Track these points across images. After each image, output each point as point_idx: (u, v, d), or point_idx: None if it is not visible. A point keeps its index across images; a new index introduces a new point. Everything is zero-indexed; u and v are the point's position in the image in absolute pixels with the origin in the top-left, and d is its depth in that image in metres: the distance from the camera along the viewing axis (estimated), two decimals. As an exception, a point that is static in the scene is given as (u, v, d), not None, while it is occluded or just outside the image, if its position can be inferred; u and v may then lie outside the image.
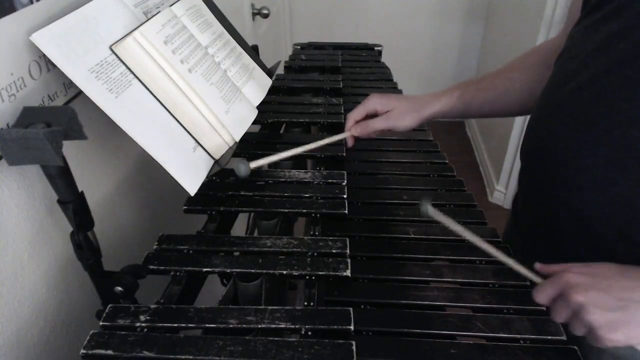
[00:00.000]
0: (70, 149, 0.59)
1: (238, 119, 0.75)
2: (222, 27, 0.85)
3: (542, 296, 0.49)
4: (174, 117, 0.65)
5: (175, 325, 0.53)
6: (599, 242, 0.59)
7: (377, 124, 0.79)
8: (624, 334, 0.44)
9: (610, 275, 0.46)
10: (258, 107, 0.84)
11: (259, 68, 0.92)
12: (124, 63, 0.60)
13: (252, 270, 0.61)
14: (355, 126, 0.80)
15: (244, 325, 0.53)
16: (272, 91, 0.96)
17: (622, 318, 0.44)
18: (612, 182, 0.56)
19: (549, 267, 0.51)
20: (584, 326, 0.46)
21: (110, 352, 0.50)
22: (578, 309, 0.46)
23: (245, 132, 0.76)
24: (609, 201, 0.57)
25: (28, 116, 0.49)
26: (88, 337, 0.51)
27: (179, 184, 0.62)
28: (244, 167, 0.65)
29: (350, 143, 0.81)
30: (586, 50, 0.59)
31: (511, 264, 0.55)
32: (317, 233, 0.69)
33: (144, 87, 0.62)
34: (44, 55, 0.52)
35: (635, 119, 0.52)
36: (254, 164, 0.67)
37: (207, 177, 0.67)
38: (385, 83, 1.24)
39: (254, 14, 1.72)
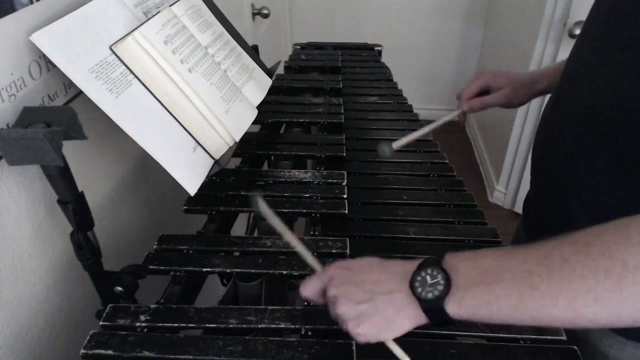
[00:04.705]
0: (70, 149, 0.59)
1: (238, 119, 0.75)
2: (222, 27, 0.85)
3: (307, 289, 0.48)
4: (174, 117, 0.65)
5: (175, 325, 0.53)
6: None
7: (492, 101, 0.80)
8: (369, 327, 0.43)
9: (368, 269, 0.46)
10: (258, 107, 0.84)
11: (259, 68, 0.92)
12: (123, 63, 0.60)
13: (252, 270, 0.61)
14: (469, 102, 0.81)
15: (244, 325, 0.53)
16: (272, 91, 0.96)
17: (367, 311, 0.43)
18: (610, 186, 0.56)
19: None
20: (339, 320, 0.45)
21: (110, 352, 0.50)
22: (333, 301, 0.45)
23: (245, 132, 0.76)
24: (608, 204, 0.57)
25: (28, 116, 0.49)
26: (88, 337, 0.51)
27: (179, 184, 0.62)
28: (388, 149, 0.66)
29: (463, 120, 0.84)
30: (587, 56, 0.59)
31: (305, 255, 0.52)
32: (317, 233, 0.69)
33: (144, 87, 0.62)
34: (44, 55, 0.52)
35: (629, 125, 0.52)
36: (396, 145, 0.69)
37: (207, 177, 0.67)
38: (385, 83, 1.24)
39: (254, 14, 1.72)
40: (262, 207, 0.54)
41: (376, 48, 1.52)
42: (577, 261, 0.37)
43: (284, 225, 0.53)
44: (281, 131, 1.01)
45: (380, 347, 0.52)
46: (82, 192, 0.54)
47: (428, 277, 0.42)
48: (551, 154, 0.65)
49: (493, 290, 0.39)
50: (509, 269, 0.40)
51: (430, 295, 0.41)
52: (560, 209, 0.64)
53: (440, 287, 0.41)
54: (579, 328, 0.40)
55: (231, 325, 0.53)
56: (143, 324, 0.53)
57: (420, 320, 0.43)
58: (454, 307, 0.41)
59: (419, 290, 0.42)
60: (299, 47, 1.49)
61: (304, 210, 0.71)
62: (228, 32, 0.87)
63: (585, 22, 0.63)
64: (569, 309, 0.37)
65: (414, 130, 0.88)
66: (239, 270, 0.61)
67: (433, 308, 0.41)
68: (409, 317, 0.43)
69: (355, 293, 0.44)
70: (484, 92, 0.83)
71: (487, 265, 0.41)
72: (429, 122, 0.83)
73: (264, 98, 0.88)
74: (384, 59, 1.47)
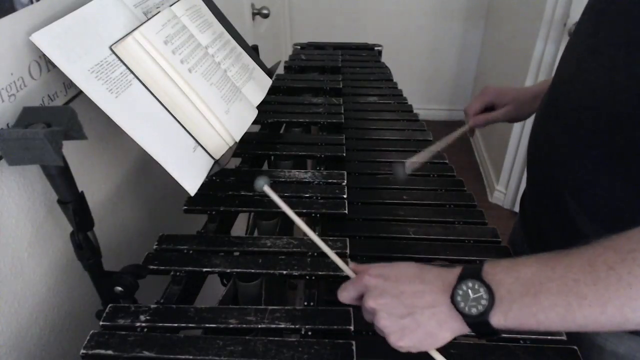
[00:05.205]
0: (70, 149, 0.59)
1: (238, 119, 0.75)
2: (222, 27, 0.85)
3: (344, 296, 0.48)
4: (174, 117, 0.65)
5: (175, 325, 0.53)
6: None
7: (496, 117, 0.82)
8: (411, 340, 0.43)
9: (406, 279, 0.45)
10: (258, 107, 0.84)
11: (259, 68, 0.92)
12: (124, 63, 0.60)
13: (252, 270, 0.61)
14: (474, 118, 0.83)
15: (244, 325, 0.53)
16: (272, 91, 0.96)
17: (409, 325, 0.43)
18: (606, 181, 0.56)
19: (358, 266, 0.51)
20: (380, 330, 0.45)
21: (110, 352, 0.50)
22: (372, 313, 0.45)
23: (245, 132, 0.76)
24: (604, 200, 0.58)
25: (28, 116, 0.49)
26: (88, 337, 0.51)
27: (179, 184, 0.62)
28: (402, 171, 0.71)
29: (471, 134, 0.86)
30: (582, 54, 0.60)
31: (334, 258, 0.52)
32: (317, 233, 0.69)
33: (144, 87, 0.62)
34: (44, 55, 0.52)
35: (623, 121, 0.53)
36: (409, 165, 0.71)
37: (207, 177, 0.67)
38: (385, 83, 1.24)
39: (254, 14, 1.72)
40: (278, 202, 0.54)
41: (376, 48, 1.52)
42: (623, 269, 0.37)
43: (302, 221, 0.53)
44: (281, 131, 1.01)
45: (380, 347, 0.52)
46: (82, 192, 0.54)
47: (470, 291, 0.41)
48: (546, 151, 0.65)
49: (539, 301, 0.39)
50: (553, 278, 0.40)
51: (474, 311, 0.41)
52: (556, 205, 0.64)
53: (484, 302, 0.41)
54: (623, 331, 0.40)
55: (231, 325, 0.53)
56: (143, 324, 0.53)
57: (463, 331, 0.43)
58: (500, 320, 0.41)
59: (462, 305, 0.42)
60: (299, 47, 1.49)
61: (304, 210, 0.71)
62: (228, 32, 0.87)
63: (579, 20, 0.63)
64: (617, 316, 0.37)
65: (424, 142, 0.90)
66: (239, 270, 0.61)
67: (477, 322, 0.41)
68: (452, 330, 0.43)
69: (395, 306, 0.44)
70: (489, 107, 0.85)
71: (530, 275, 0.41)
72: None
73: (264, 98, 0.88)
74: (384, 59, 1.47)
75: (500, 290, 0.41)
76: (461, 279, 0.42)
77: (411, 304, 0.44)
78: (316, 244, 0.53)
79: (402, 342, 0.44)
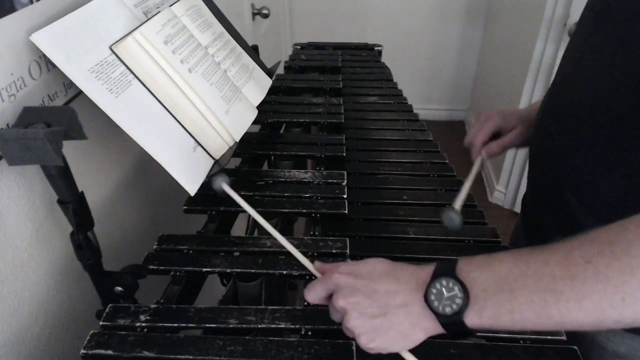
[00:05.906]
0: (70, 149, 0.59)
1: (238, 119, 0.75)
2: (222, 27, 0.85)
3: (311, 295, 0.46)
4: (174, 117, 0.65)
5: (175, 325, 0.53)
6: None
7: (510, 142, 0.76)
8: (383, 341, 0.42)
9: (378, 277, 0.44)
10: (258, 107, 0.84)
11: (259, 68, 0.92)
12: (124, 63, 0.60)
13: (252, 270, 0.61)
14: (486, 148, 0.76)
15: (244, 325, 0.53)
16: (272, 91, 0.96)
17: (381, 325, 0.41)
18: (606, 177, 0.57)
19: (323, 265, 0.49)
20: (349, 331, 0.43)
21: (110, 352, 0.50)
22: (342, 313, 0.43)
23: (245, 132, 0.76)
24: (605, 196, 0.58)
25: (28, 116, 0.49)
26: (88, 337, 0.51)
27: (179, 184, 0.62)
28: (457, 217, 0.63)
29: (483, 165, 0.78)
30: (583, 52, 0.60)
31: (299, 257, 0.51)
32: (317, 233, 0.69)
33: (144, 87, 0.62)
34: (44, 55, 0.52)
35: (624, 116, 0.53)
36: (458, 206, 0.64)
37: (207, 177, 0.67)
38: (385, 83, 1.24)
39: (254, 14, 1.72)
40: (229, 191, 0.53)
41: (376, 48, 1.52)
42: (601, 262, 0.35)
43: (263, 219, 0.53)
44: (281, 131, 1.01)
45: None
46: (82, 192, 0.54)
47: (444, 290, 0.40)
48: (547, 149, 0.65)
49: (515, 298, 0.38)
50: (528, 274, 0.38)
51: (448, 310, 0.40)
52: (557, 202, 0.64)
53: (459, 301, 0.39)
54: (602, 330, 0.38)
55: (231, 325, 0.53)
56: (143, 324, 0.53)
57: (437, 331, 0.42)
58: (474, 319, 0.39)
59: (436, 304, 0.40)
60: (299, 47, 1.49)
61: (304, 210, 0.71)
62: (228, 32, 0.87)
63: (579, 19, 0.64)
64: (595, 311, 0.36)
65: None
66: (239, 270, 0.61)
67: (452, 322, 0.40)
68: (425, 330, 0.42)
69: (367, 306, 0.42)
70: (494, 134, 0.78)
71: (506, 271, 0.39)
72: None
73: (264, 98, 0.88)
74: (384, 59, 1.47)
75: (475, 289, 0.40)
76: (435, 276, 0.41)
77: (385, 304, 0.42)
78: (281, 243, 0.53)
79: (373, 343, 0.42)
